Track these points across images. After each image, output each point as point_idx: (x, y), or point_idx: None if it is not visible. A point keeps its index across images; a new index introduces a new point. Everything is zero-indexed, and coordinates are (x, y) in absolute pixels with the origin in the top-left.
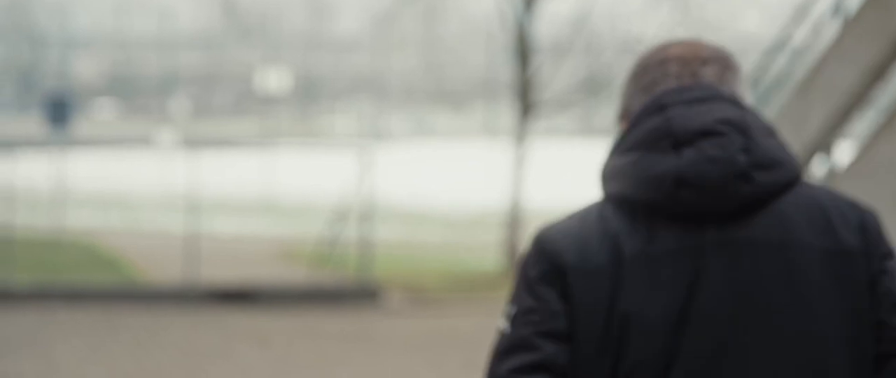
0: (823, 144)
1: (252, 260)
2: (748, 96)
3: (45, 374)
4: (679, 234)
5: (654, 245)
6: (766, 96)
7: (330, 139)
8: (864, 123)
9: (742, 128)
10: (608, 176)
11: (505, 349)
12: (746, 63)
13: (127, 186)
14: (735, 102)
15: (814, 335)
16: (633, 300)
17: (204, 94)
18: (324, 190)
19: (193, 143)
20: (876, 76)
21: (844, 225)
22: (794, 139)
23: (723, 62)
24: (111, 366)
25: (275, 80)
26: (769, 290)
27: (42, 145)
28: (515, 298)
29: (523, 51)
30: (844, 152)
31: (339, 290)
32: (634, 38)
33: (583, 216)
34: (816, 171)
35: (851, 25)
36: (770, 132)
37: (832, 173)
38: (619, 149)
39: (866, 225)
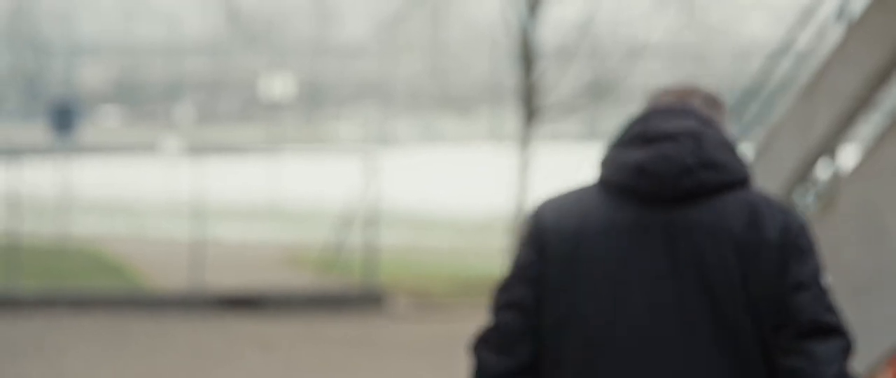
0: (828, 148)
1: (258, 266)
2: (729, 126)
3: None
4: (637, 211)
5: (617, 218)
6: (770, 100)
7: (335, 145)
8: (869, 127)
9: (697, 137)
10: (601, 163)
11: (499, 290)
12: (751, 67)
13: (133, 193)
14: (702, 120)
15: (732, 306)
16: (592, 256)
17: (209, 100)
18: (329, 195)
19: (199, 149)
20: (881, 80)
21: (770, 224)
22: (799, 143)
23: (708, 97)
24: (118, 372)
25: (280, 86)
26: (696, 263)
27: (47, 152)
28: (514, 251)
29: (528, 56)
30: (849, 156)
31: (344, 296)
32: (639, 42)
33: (570, 192)
34: (821, 174)
35: (856, 29)
36: (724, 145)
37: (837, 176)
38: (613, 144)
39: (788, 226)
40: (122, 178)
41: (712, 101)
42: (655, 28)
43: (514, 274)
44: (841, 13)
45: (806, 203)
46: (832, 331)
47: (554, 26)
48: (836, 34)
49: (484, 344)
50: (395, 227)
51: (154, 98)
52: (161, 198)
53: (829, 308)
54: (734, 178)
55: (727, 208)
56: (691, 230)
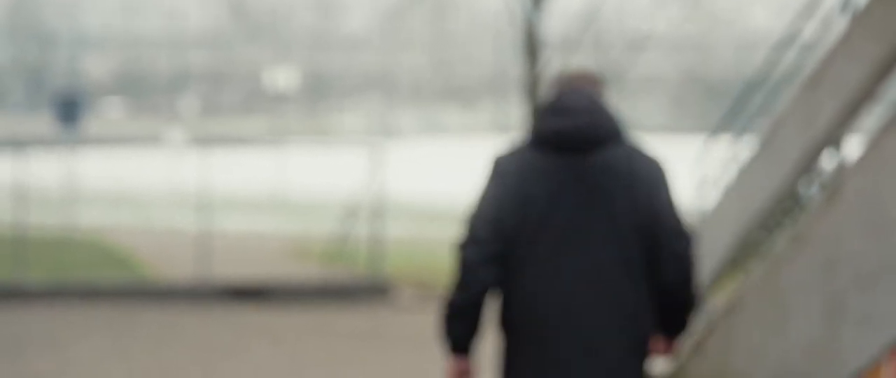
0: (833, 139)
1: (264, 257)
2: (606, 95)
3: (60, 372)
4: (558, 159)
5: (546, 163)
6: (775, 91)
7: (340, 136)
8: (873, 118)
9: (590, 109)
10: (532, 128)
11: (475, 212)
12: (755, 58)
13: (138, 184)
14: (591, 97)
15: (617, 217)
16: (533, 189)
17: (213, 92)
18: (334, 187)
19: (203, 141)
20: (885, 71)
21: (642, 165)
22: (803, 134)
23: (592, 79)
24: (125, 363)
25: (283, 78)
26: (598, 192)
27: (53, 144)
28: (482, 188)
29: (532, 47)
30: (854, 146)
31: (350, 287)
32: (643, 33)
33: (515, 149)
34: (826, 164)
35: (860, 21)
36: (606, 112)
37: (841, 167)
38: (539, 115)
39: (651, 167)
40: (126, 169)
41: (595, 81)
42: (659, 19)
43: (486, 200)
44: (845, 5)
45: (810, 194)
46: (684, 233)
47: (558, 17)
48: (840, 26)
49: (468, 243)
50: (399, 219)
51: (158, 90)
52: (166, 189)
53: (681, 219)
54: (613, 133)
55: (614, 155)
56: (594, 169)
